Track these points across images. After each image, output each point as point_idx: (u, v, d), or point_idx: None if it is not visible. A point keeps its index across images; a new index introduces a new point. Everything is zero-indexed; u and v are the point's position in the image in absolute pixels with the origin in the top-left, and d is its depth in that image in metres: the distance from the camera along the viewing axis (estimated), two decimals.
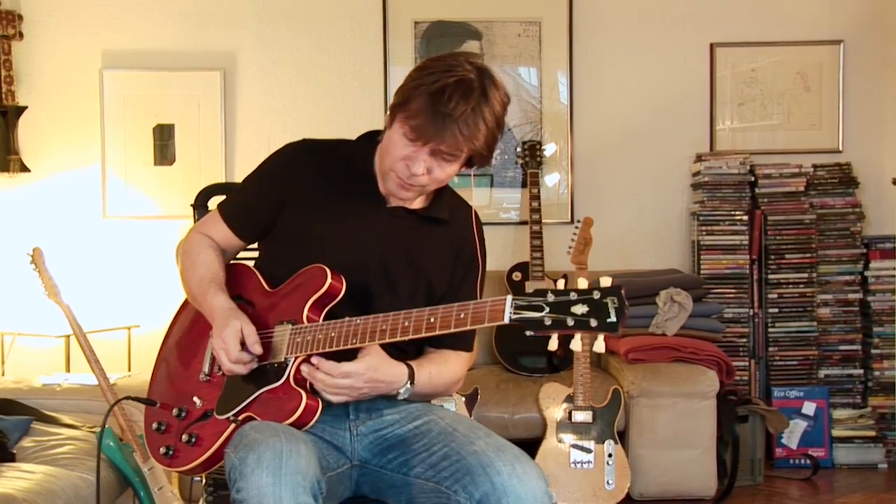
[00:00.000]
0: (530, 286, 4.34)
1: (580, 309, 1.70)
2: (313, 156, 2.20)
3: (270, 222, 2.18)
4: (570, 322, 1.70)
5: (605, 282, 1.72)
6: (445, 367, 2.15)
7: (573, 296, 1.71)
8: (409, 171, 2.03)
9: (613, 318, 1.68)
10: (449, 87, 1.96)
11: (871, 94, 4.88)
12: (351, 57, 4.88)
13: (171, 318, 2.35)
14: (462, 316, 1.82)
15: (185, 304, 2.31)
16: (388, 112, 2.08)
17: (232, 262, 2.29)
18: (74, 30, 4.78)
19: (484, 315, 1.79)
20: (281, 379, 1.99)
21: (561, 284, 1.77)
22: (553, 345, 1.76)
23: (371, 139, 2.21)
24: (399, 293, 2.14)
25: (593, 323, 1.69)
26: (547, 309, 1.71)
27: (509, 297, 1.75)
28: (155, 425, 2.17)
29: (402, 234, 2.16)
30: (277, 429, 1.90)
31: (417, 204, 2.19)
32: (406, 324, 1.88)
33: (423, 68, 2.03)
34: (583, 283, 1.74)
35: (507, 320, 1.74)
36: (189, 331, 2.25)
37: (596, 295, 1.70)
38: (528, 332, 1.74)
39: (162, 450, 2.13)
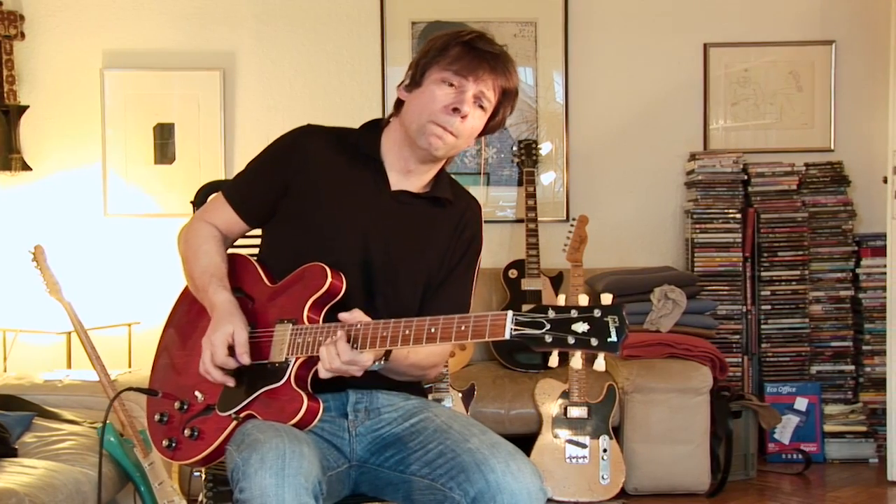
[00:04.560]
0: (526, 284, 4.46)
1: (581, 327, 1.69)
2: (319, 139, 2.21)
3: (276, 205, 2.19)
4: (571, 340, 1.69)
5: (606, 300, 1.71)
6: (423, 349, 2.09)
7: (574, 313, 1.70)
8: (459, 113, 2.08)
9: (614, 338, 1.67)
10: (478, 36, 2.12)
11: (862, 93, 4.91)
12: (349, 57, 4.91)
13: (172, 305, 2.34)
14: (463, 328, 1.82)
15: (186, 292, 2.30)
16: (413, 76, 2.14)
17: (232, 252, 2.28)
18: (75, 30, 4.81)
19: (485, 329, 1.79)
20: (282, 379, 1.98)
21: (562, 301, 1.76)
22: (554, 361, 1.76)
23: (374, 127, 2.24)
24: (400, 278, 2.16)
25: (594, 342, 1.68)
26: (548, 326, 1.71)
27: (510, 313, 1.75)
28: (157, 416, 2.17)
29: (406, 218, 2.19)
30: (280, 429, 1.91)
31: (419, 188, 2.22)
32: (407, 332, 1.88)
33: (438, 35, 2.15)
34: (583, 300, 1.73)
35: (507, 336, 1.74)
36: (191, 322, 2.24)
37: (597, 313, 1.69)
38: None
39: (165, 442, 2.13)
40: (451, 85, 2.08)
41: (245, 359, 2.02)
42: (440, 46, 2.11)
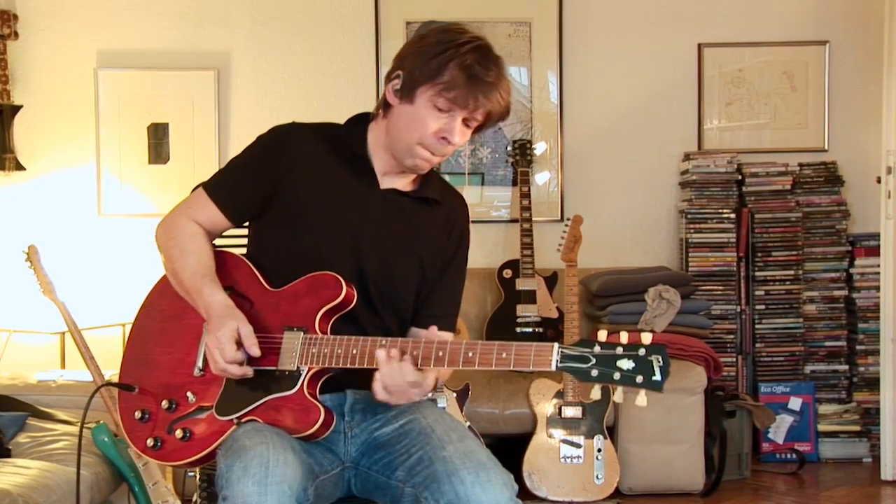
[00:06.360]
0: (521, 284, 4.46)
1: (626, 364, 1.75)
2: (307, 137, 2.18)
3: (263, 204, 2.15)
4: (617, 376, 1.75)
5: (646, 339, 1.77)
6: None
7: (619, 350, 1.77)
8: (448, 142, 2.06)
9: (658, 378, 1.74)
10: (475, 56, 2.02)
11: (855, 93, 4.92)
12: (343, 57, 4.91)
13: (145, 298, 2.30)
14: (504, 356, 1.86)
15: (162, 286, 2.27)
16: (405, 85, 2.06)
17: (223, 250, 2.24)
18: (69, 29, 4.80)
19: (529, 359, 1.84)
20: (294, 388, 1.97)
21: (602, 336, 1.80)
22: (596, 394, 1.86)
23: (361, 121, 2.23)
24: (395, 277, 2.15)
25: (639, 379, 1.74)
26: (593, 360, 1.77)
27: (556, 345, 1.80)
28: (138, 414, 2.12)
29: (397, 217, 2.17)
30: (267, 435, 1.89)
31: (407, 186, 2.21)
32: (440, 353, 1.90)
33: (432, 43, 2.06)
34: (625, 338, 1.78)
35: (553, 368, 1.80)
36: (172, 318, 2.19)
37: (641, 352, 1.75)
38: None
39: (149, 441, 2.09)
40: (442, 110, 2.04)
41: (255, 350, 1.99)
42: (437, 66, 2.02)
